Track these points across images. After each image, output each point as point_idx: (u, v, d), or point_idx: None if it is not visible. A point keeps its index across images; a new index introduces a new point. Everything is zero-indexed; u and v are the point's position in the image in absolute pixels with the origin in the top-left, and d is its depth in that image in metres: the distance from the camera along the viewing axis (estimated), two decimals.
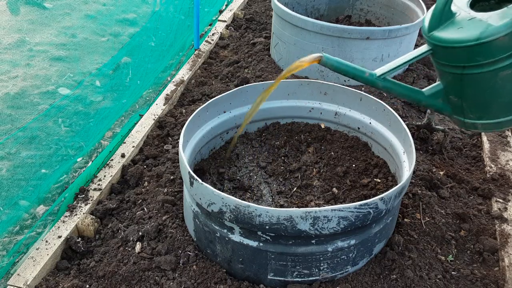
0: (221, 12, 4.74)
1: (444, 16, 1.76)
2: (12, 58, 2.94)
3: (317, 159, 2.61)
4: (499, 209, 2.41)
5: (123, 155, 2.67)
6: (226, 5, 4.83)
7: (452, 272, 2.08)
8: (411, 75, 3.58)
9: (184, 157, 2.00)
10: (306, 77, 3.50)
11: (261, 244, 1.86)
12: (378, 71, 1.90)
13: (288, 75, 1.94)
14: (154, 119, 3.01)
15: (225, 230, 1.91)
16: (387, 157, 2.46)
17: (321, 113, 2.70)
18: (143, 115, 3.05)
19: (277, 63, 3.72)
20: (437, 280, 2.02)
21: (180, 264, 2.04)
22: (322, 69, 3.44)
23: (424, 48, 1.88)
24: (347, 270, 1.98)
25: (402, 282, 1.98)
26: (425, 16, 1.87)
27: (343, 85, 2.83)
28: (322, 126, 2.73)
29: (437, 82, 1.97)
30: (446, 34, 1.74)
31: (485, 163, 2.76)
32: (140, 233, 2.17)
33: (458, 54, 1.73)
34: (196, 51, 3.84)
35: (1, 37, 2.51)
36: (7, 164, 2.54)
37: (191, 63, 3.70)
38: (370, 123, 2.54)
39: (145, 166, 2.65)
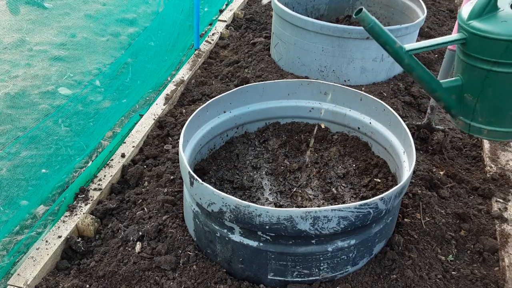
0: (221, 12, 4.74)
1: (488, 8, 1.74)
2: (12, 58, 2.94)
3: (317, 159, 2.61)
4: (499, 209, 2.41)
5: (123, 155, 2.67)
6: (226, 5, 4.83)
7: (452, 272, 2.08)
8: None
9: (184, 157, 2.00)
10: (306, 77, 3.50)
11: (261, 244, 1.86)
12: (407, 46, 1.90)
13: None
14: (154, 119, 3.01)
15: (225, 230, 1.91)
16: (387, 157, 2.46)
17: (321, 113, 2.70)
18: (143, 115, 3.05)
19: (277, 63, 3.72)
20: (437, 280, 2.02)
21: (180, 264, 2.04)
22: (322, 69, 3.44)
23: (457, 35, 1.83)
24: (347, 270, 1.98)
25: (402, 282, 1.98)
26: (462, 7, 1.85)
27: (343, 85, 2.83)
28: (322, 126, 2.74)
29: (456, 77, 1.92)
30: (488, 25, 1.72)
31: (485, 163, 2.76)
32: (140, 233, 2.17)
33: (494, 47, 1.71)
34: (196, 51, 3.84)
35: (1, 37, 2.51)
36: (7, 164, 2.54)
37: (191, 63, 3.70)
38: (370, 123, 2.54)
39: (145, 166, 2.65)
